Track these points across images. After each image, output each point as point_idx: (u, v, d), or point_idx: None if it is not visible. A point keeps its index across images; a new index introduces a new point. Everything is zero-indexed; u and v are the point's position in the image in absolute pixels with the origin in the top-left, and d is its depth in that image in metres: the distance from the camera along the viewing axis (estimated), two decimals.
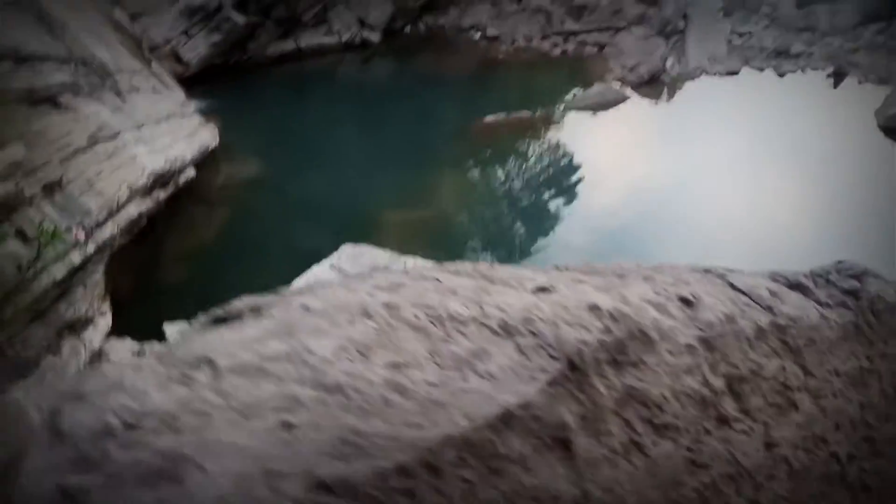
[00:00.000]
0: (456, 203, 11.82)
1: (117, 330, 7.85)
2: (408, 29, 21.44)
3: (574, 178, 13.00)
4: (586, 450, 1.30)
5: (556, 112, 16.16)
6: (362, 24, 20.03)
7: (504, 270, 1.71)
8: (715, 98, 17.40)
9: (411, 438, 1.09)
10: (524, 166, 13.53)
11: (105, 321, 7.98)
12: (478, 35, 21.44)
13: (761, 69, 19.44)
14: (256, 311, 1.49)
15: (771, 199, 12.05)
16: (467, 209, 11.76)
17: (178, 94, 13.08)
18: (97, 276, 8.19)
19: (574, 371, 1.34)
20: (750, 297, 1.89)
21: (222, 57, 16.71)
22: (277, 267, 9.11)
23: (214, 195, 11.88)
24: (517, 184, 12.95)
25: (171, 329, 7.62)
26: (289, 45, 18.55)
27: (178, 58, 15.47)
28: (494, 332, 1.37)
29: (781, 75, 19.16)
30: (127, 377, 1.11)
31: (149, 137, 9.93)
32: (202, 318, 1.64)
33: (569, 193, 12.39)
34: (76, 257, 7.25)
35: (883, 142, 14.07)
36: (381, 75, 19.41)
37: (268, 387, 1.13)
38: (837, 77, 18.71)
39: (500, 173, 13.24)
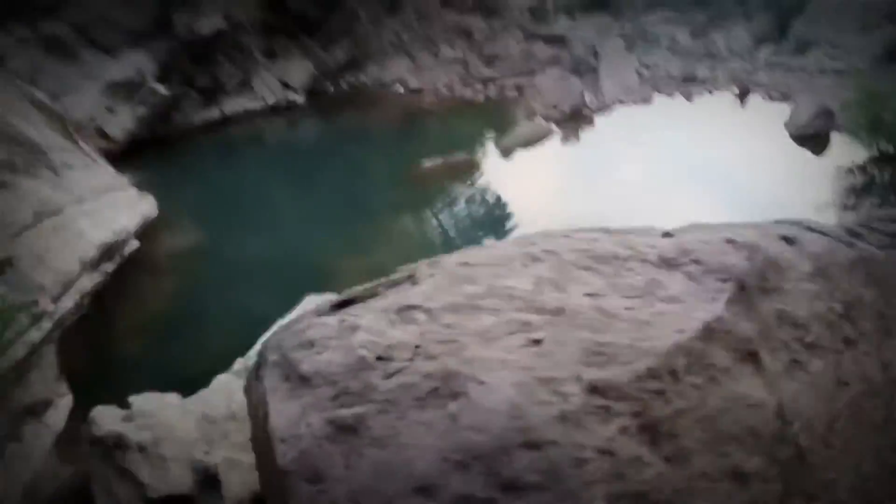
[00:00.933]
0: (410, 242, 11.82)
1: (80, 408, 7.46)
2: (331, 88, 21.64)
3: (519, 204, 13.26)
4: (770, 363, 1.35)
5: (489, 151, 16.52)
6: (286, 86, 20.10)
7: (612, 227, 1.76)
8: (636, 124, 18.20)
9: (645, 348, 1.12)
10: (468, 202, 13.70)
11: (65, 401, 7.57)
12: (401, 88, 21.85)
13: (671, 95, 20.52)
14: (399, 283, 1.49)
15: (710, 200, 12.65)
16: (422, 247, 11.77)
17: (109, 168, 12.75)
18: (51, 356, 7.81)
19: (743, 291, 1.39)
20: (830, 237, 2.00)
21: (149, 129, 16.42)
22: (235, 330, 8.81)
23: (160, 265, 11.52)
24: (464, 217, 13.09)
25: (138, 401, 7.28)
26: (214, 113, 18.39)
27: (104, 134, 15.12)
28: (657, 266, 1.42)
29: (690, 99, 20.28)
30: (359, 321, 1.10)
31: (91, 211, 9.63)
32: (317, 307, 1.62)
33: (517, 218, 12.62)
34: (35, 335, 6.90)
35: (797, 149, 15.14)
36: (312, 134, 19.40)
37: (488, 318, 1.14)
38: (743, 96, 19.96)
39: (446, 211, 13.35)
